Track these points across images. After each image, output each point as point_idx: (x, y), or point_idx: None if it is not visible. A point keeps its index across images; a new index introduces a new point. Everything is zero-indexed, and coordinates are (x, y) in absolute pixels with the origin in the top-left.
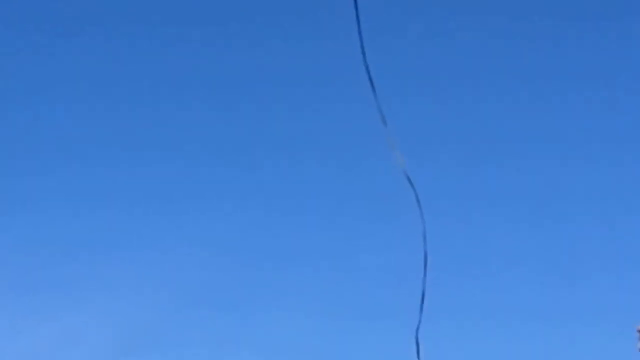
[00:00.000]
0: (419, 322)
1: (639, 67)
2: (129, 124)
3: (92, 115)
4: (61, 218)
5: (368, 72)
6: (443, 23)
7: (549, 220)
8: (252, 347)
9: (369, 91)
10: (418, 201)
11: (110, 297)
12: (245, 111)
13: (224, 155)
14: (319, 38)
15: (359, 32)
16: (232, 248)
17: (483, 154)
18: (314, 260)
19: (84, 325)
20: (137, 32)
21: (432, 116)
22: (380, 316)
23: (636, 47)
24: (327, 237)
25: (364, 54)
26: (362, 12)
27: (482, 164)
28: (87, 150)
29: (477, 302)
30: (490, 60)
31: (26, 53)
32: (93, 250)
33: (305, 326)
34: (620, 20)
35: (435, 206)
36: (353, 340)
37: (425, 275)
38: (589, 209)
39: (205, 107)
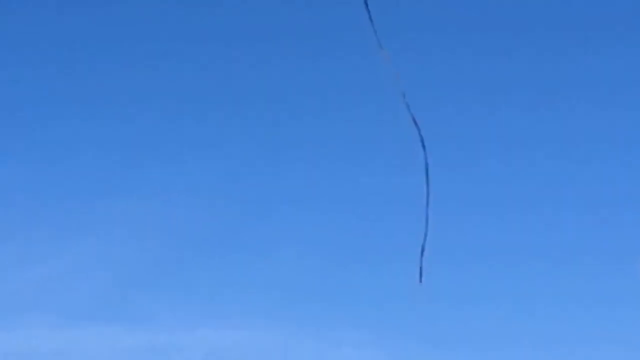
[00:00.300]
0: (423, 244)
1: None
2: (124, 74)
3: (91, 62)
4: (67, 163)
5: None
6: None
7: (553, 157)
8: (253, 287)
9: (368, 27)
10: (417, 125)
11: (111, 238)
12: (239, 57)
13: (219, 99)
14: None
15: None
16: (230, 190)
17: (486, 90)
18: (314, 197)
19: (85, 263)
20: None
21: (432, 54)
22: (383, 244)
23: None
24: (326, 175)
25: None
26: None
27: (485, 98)
28: (87, 98)
29: (480, 228)
30: (493, 8)
31: None
32: (94, 193)
33: (308, 259)
34: None
35: (436, 137)
36: (357, 270)
37: (428, 198)
38: (593, 145)
39: (198, 56)
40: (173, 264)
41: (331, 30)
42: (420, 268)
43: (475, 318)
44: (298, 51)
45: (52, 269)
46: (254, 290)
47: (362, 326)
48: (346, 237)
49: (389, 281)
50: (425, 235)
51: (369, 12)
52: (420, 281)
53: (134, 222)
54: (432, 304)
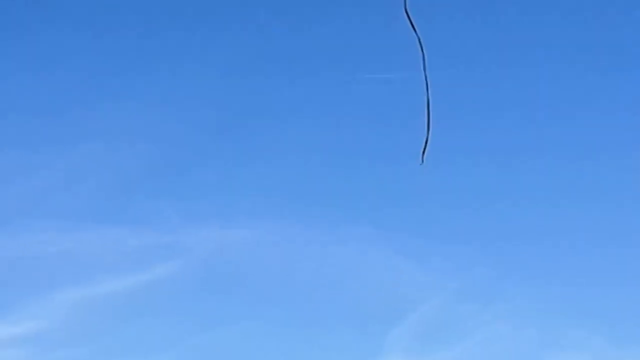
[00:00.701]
0: (428, 119)
1: None
2: None
3: None
4: (65, 69)
5: None
6: None
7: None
8: (258, 185)
9: None
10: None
11: (113, 140)
12: None
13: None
14: None
15: None
16: (233, 89)
17: None
18: (316, 95)
19: (88, 166)
20: None
21: None
22: (385, 141)
23: None
24: (327, 75)
25: None
26: None
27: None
28: (82, 5)
29: (480, 122)
30: None
31: None
32: (94, 98)
33: (311, 156)
34: None
35: (435, 36)
36: (360, 166)
37: (427, 89)
38: (595, 48)
39: None
40: (177, 164)
41: None
42: (424, 148)
43: (476, 210)
44: None
45: (54, 174)
46: (258, 189)
47: (366, 222)
48: (348, 134)
49: (392, 177)
50: (428, 116)
51: None
52: (422, 162)
53: (137, 123)
54: (435, 198)
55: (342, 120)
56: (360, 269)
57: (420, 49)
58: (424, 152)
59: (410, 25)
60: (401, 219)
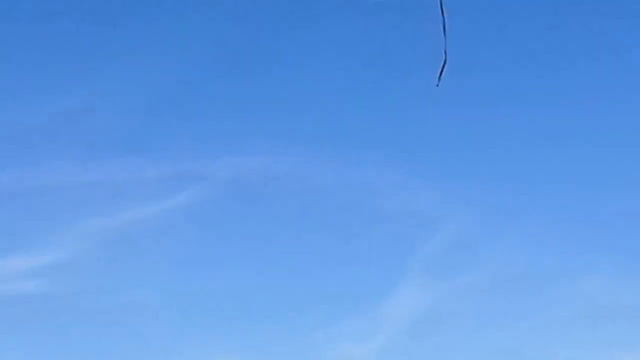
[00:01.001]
0: (444, 49)
1: None
2: None
3: None
4: None
5: None
6: None
7: None
8: (274, 112)
9: None
10: None
11: (132, 65)
12: None
13: None
14: None
15: None
16: (253, 17)
17: None
18: (332, 22)
19: (115, 90)
20: None
21: None
22: (397, 64)
23: None
24: None
25: None
26: None
27: None
28: None
29: (492, 39)
30: None
31: None
32: (114, 17)
33: (327, 83)
34: None
35: None
36: (374, 91)
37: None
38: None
39: None
40: (195, 94)
41: None
42: (441, 71)
43: (499, 132)
44: None
45: (76, 99)
46: (273, 116)
47: (381, 145)
48: (363, 59)
49: (405, 99)
50: (445, 43)
51: None
52: (438, 85)
53: (158, 47)
54: (452, 123)
55: (356, 44)
56: (378, 193)
57: None
58: (440, 75)
59: None
60: (415, 141)
